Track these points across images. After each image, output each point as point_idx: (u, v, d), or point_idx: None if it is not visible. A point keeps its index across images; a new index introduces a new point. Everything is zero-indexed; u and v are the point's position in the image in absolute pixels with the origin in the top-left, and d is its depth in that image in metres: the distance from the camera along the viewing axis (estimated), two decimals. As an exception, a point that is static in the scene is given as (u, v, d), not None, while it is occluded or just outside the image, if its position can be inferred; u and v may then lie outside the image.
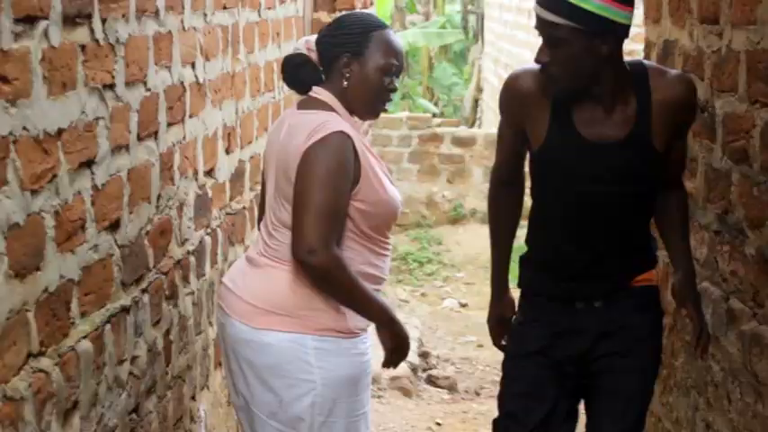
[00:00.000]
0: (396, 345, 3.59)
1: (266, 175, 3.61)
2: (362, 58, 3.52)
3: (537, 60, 3.26)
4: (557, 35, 3.17)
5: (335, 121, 3.46)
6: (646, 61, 3.58)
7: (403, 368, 7.13)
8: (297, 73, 3.60)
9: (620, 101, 3.29)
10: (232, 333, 3.48)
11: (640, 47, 4.86)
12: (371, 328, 3.54)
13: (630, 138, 3.26)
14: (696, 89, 3.29)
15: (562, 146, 3.33)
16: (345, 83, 3.53)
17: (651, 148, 3.25)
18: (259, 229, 3.63)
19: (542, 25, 3.21)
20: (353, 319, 3.47)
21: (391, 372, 6.97)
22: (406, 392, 6.95)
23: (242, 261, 3.62)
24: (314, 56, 3.58)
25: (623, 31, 3.25)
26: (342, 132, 3.40)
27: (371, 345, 3.59)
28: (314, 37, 3.63)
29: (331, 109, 3.50)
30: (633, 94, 3.30)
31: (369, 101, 3.56)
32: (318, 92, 3.53)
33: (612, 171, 3.28)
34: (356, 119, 3.58)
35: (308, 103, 3.55)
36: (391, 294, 9.11)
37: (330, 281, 3.38)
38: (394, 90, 3.59)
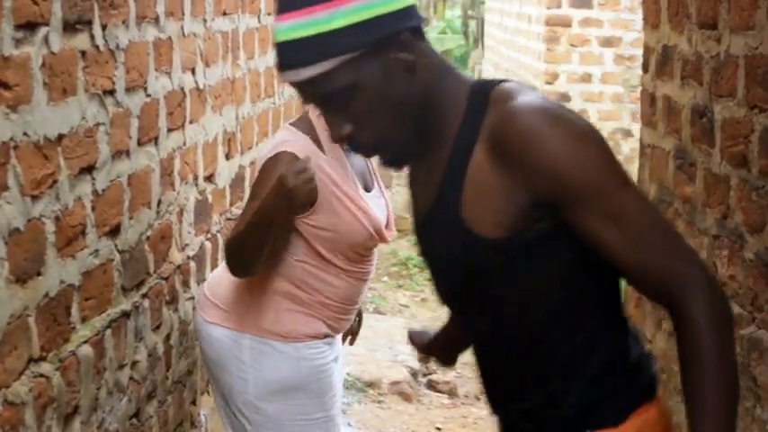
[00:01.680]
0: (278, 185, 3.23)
1: None
2: None
3: (338, 138, 2.08)
4: (334, 87, 1.99)
5: (293, 142, 3.38)
6: (508, 82, 2.14)
7: (403, 373, 7.14)
8: None
9: (436, 147, 2.10)
10: (198, 329, 3.61)
11: (639, 52, 4.87)
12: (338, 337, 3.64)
13: (433, 210, 2.13)
14: (546, 133, 1.96)
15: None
16: None
17: (462, 228, 2.03)
18: None
19: (309, 90, 2.04)
20: (297, 324, 3.46)
21: (391, 377, 7.02)
22: (407, 397, 6.95)
23: None
24: None
25: (409, 19, 2.08)
26: (286, 154, 3.33)
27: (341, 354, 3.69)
28: None
29: (312, 130, 3.41)
30: (455, 135, 2.07)
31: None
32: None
33: (442, 259, 2.19)
34: None
35: (299, 120, 3.52)
36: (391, 299, 9.11)
37: (230, 242, 3.36)
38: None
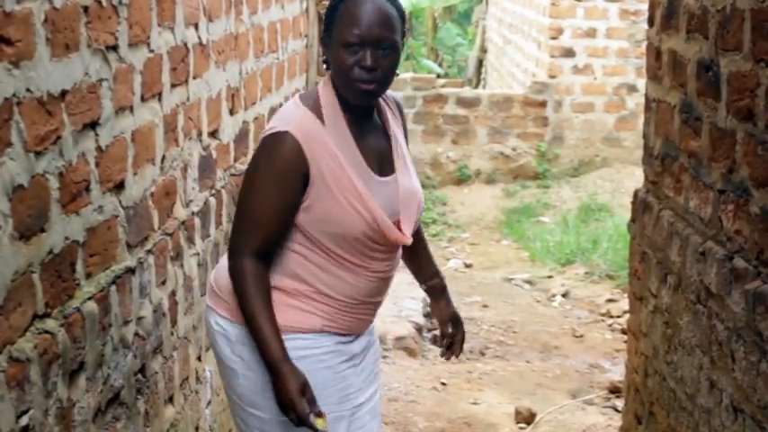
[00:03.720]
0: (276, 389, 3.13)
1: None
2: (332, 37, 3.20)
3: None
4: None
5: (292, 119, 3.17)
6: None
7: (407, 328, 7.16)
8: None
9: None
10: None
11: (644, 6, 4.84)
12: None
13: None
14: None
15: None
16: (328, 68, 3.25)
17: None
18: None
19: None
20: (289, 316, 3.22)
21: (396, 332, 7.03)
22: (411, 353, 6.98)
23: None
24: None
25: None
26: (285, 133, 3.11)
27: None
28: None
29: (317, 102, 3.21)
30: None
31: (343, 84, 3.18)
32: (323, 81, 3.28)
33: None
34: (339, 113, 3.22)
35: (308, 94, 3.31)
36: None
37: (235, 287, 3.18)
38: (367, 66, 3.11)
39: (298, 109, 3.20)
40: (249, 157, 4.75)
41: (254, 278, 3.14)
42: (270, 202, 3.13)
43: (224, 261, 3.27)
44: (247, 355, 3.23)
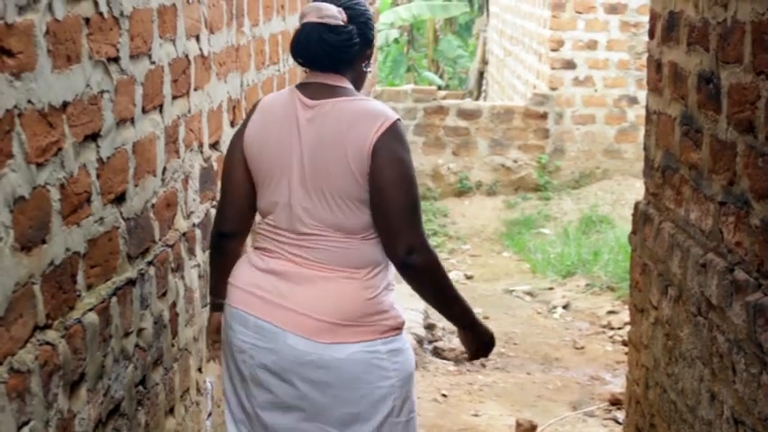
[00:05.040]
0: (480, 341, 3.54)
1: (269, 174, 3.29)
2: (373, 45, 3.43)
3: None
4: None
5: (384, 105, 3.27)
6: None
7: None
8: (344, 50, 3.30)
9: None
10: (288, 351, 3.20)
11: (645, 18, 4.85)
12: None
13: None
14: None
15: None
16: (369, 69, 3.42)
17: None
18: (253, 229, 3.47)
19: None
20: (402, 315, 3.32)
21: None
22: (412, 364, 6.96)
23: (261, 272, 3.30)
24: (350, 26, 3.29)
25: None
26: (399, 119, 3.23)
27: None
28: (330, 7, 3.27)
29: (357, 95, 3.29)
30: None
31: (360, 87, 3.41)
32: (329, 76, 3.30)
33: None
34: None
35: (326, 90, 3.28)
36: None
37: (434, 279, 3.25)
38: None
39: (374, 101, 3.32)
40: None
41: (441, 262, 3.32)
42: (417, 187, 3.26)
43: (333, 291, 3.22)
44: (401, 365, 3.29)
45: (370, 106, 3.24)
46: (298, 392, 3.23)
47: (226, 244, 3.48)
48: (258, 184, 3.34)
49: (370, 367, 3.21)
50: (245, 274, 3.34)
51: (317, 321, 3.19)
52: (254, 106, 3.41)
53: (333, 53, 3.25)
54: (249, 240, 3.56)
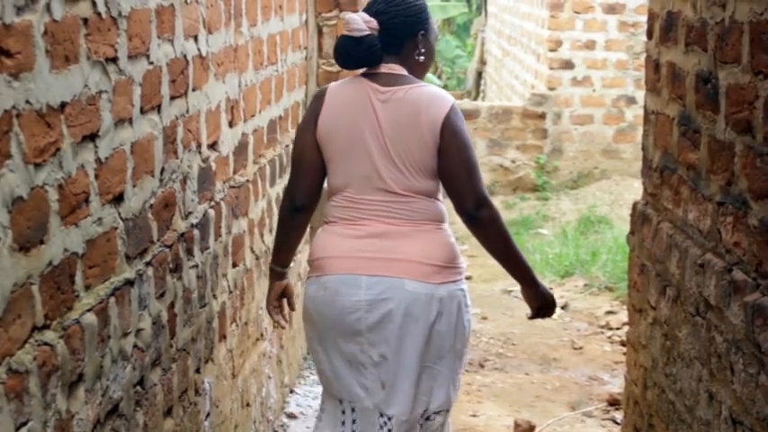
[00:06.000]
0: (542, 299, 4.11)
1: (350, 151, 3.90)
2: (429, 33, 4.01)
3: None
4: None
5: (442, 90, 3.99)
6: None
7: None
8: (370, 54, 3.89)
9: None
10: (403, 294, 3.83)
11: (643, 18, 4.85)
12: None
13: None
14: None
15: None
16: (421, 57, 3.99)
17: None
18: (333, 200, 4.01)
19: None
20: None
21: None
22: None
23: (357, 238, 3.92)
24: (376, 32, 3.88)
25: None
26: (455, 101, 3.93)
27: None
28: (362, 15, 3.90)
29: (419, 81, 3.95)
30: None
31: (428, 68, 4.13)
32: (393, 67, 3.93)
33: None
34: None
35: (394, 78, 3.91)
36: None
37: (499, 231, 3.93)
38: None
39: (432, 86, 3.99)
40: (249, 168, 4.77)
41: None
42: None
43: (429, 238, 3.91)
44: (469, 300, 4.04)
45: (436, 91, 3.93)
46: (408, 335, 3.87)
47: (298, 217, 4.11)
48: (332, 162, 3.96)
49: (458, 303, 3.93)
50: (338, 243, 3.94)
51: (428, 266, 3.87)
52: (320, 95, 4.02)
53: (362, 61, 3.92)
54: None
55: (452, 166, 3.84)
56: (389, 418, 3.90)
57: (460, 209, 3.88)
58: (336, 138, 3.90)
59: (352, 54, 3.88)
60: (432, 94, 3.87)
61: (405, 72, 3.92)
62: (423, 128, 3.81)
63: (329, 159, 3.95)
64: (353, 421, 3.98)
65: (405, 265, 3.84)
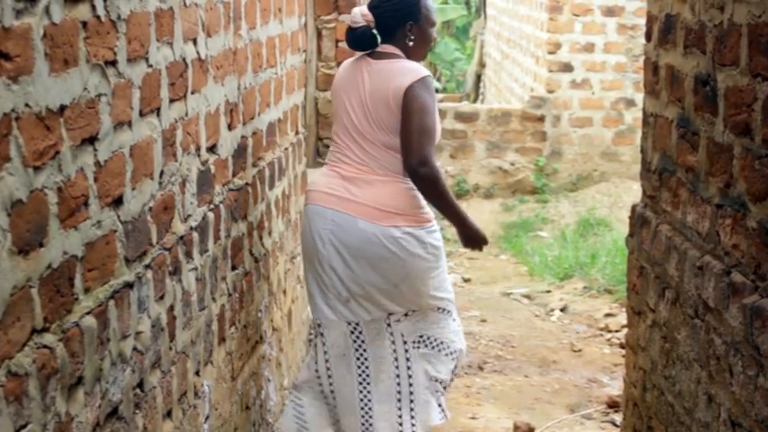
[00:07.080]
0: (468, 237, 5.05)
1: (342, 108, 4.86)
2: (420, 23, 4.90)
3: None
4: None
5: (420, 66, 4.80)
6: None
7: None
8: (363, 40, 4.88)
9: None
10: (356, 231, 4.71)
11: (642, 21, 4.86)
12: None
13: None
14: None
15: None
16: (411, 43, 4.88)
17: None
18: (338, 152, 4.87)
19: None
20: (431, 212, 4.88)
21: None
22: (410, 367, 6.95)
23: (333, 177, 4.81)
24: (371, 23, 4.84)
25: None
26: (430, 75, 4.79)
27: None
28: (362, 9, 4.86)
29: (403, 59, 4.84)
30: None
31: (425, 53, 5.03)
32: (386, 47, 4.87)
33: None
34: None
35: (384, 55, 4.86)
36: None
37: (434, 186, 4.71)
38: (435, 39, 5.09)
39: (414, 63, 4.85)
40: (248, 171, 4.77)
41: (442, 175, 4.79)
42: (435, 121, 4.76)
43: (385, 188, 4.76)
44: (437, 249, 4.84)
45: (408, 65, 4.81)
46: (362, 269, 4.74)
47: None
48: (334, 115, 5.01)
49: (414, 243, 4.74)
50: (319, 180, 4.92)
51: (379, 211, 4.71)
52: (338, 68, 5.18)
53: (361, 46, 4.92)
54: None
55: (406, 126, 4.66)
56: (357, 324, 4.82)
57: (406, 164, 4.68)
58: (335, 97, 4.97)
59: (349, 40, 4.90)
60: (404, 67, 4.79)
61: (397, 52, 4.87)
62: (390, 92, 4.72)
63: (332, 114, 5.04)
64: (321, 334, 4.89)
65: (360, 207, 4.73)
